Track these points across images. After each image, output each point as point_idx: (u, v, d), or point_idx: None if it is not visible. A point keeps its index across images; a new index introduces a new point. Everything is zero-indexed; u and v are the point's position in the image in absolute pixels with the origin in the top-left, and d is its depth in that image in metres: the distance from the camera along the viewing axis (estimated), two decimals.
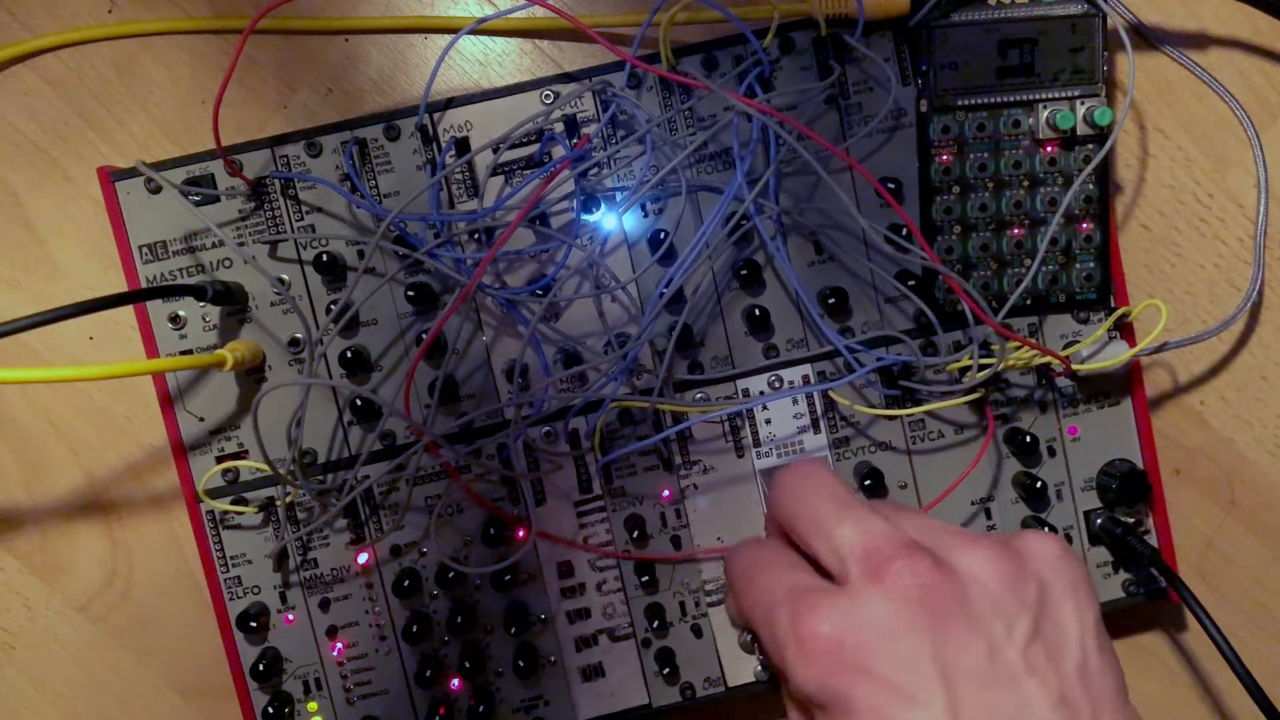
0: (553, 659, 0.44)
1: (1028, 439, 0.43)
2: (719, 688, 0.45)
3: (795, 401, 0.44)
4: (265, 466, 0.42)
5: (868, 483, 0.43)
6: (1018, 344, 0.41)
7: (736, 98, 0.39)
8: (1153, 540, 0.45)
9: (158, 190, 0.42)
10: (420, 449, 0.42)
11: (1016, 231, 0.43)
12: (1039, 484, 0.44)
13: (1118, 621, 0.48)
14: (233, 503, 0.43)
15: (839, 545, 0.33)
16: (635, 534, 0.43)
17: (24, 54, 0.45)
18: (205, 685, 0.46)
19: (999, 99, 0.42)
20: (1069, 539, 0.45)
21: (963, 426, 0.44)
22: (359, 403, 0.43)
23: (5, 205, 0.45)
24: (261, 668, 0.43)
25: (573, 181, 0.42)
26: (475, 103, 0.43)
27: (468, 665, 0.43)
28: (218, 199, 0.43)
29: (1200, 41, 0.46)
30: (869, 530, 0.32)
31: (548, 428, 0.44)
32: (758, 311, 0.43)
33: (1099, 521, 0.44)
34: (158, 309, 0.43)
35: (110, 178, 0.42)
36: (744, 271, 0.43)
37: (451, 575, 0.43)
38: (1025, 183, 0.43)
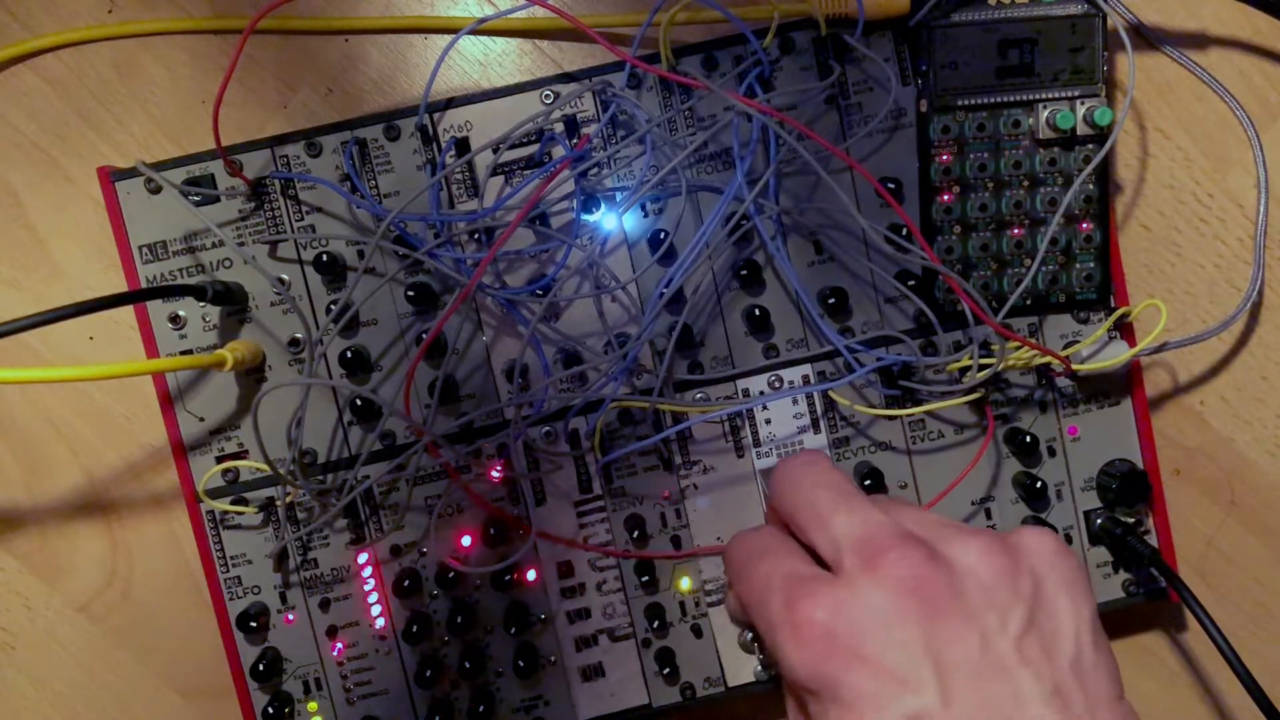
0: (553, 659, 0.44)
1: (1028, 439, 0.43)
2: (719, 688, 0.45)
3: (795, 401, 0.44)
4: (265, 466, 0.42)
5: (868, 482, 0.43)
6: (1018, 344, 0.41)
7: (736, 98, 0.39)
8: (1153, 540, 0.45)
9: (158, 190, 0.42)
10: (420, 449, 0.42)
11: (1016, 231, 0.43)
12: (1039, 484, 0.44)
13: (1118, 621, 0.48)
14: (233, 503, 0.43)
15: (835, 534, 0.33)
16: (635, 534, 0.43)
17: (24, 54, 0.45)
18: (205, 685, 0.47)
19: (999, 99, 0.42)
20: (1069, 539, 0.45)
21: (963, 426, 0.44)
22: (359, 403, 0.43)
23: (5, 205, 0.45)
24: (261, 668, 0.43)
25: (573, 181, 0.42)
26: (475, 103, 0.43)
27: (468, 665, 0.43)
28: (218, 199, 0.43)
29: (1200, 41, 0.46)
30: (866, 520, 0.32)
31: (548, 428, 0.44)
32: (758, 311, 0.43)
33: (1099, 521, 0.44)
34: (158, 309, 0.43)
35: (110, 178, 0.42)
36: (744, 271, 0.43)
37: (451, 575, 0.43)
38: (1025, 183, 0.43)
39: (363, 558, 0.44)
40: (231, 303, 0.42)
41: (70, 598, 0.47)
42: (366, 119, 0.43)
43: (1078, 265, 0.43)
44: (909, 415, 0.44)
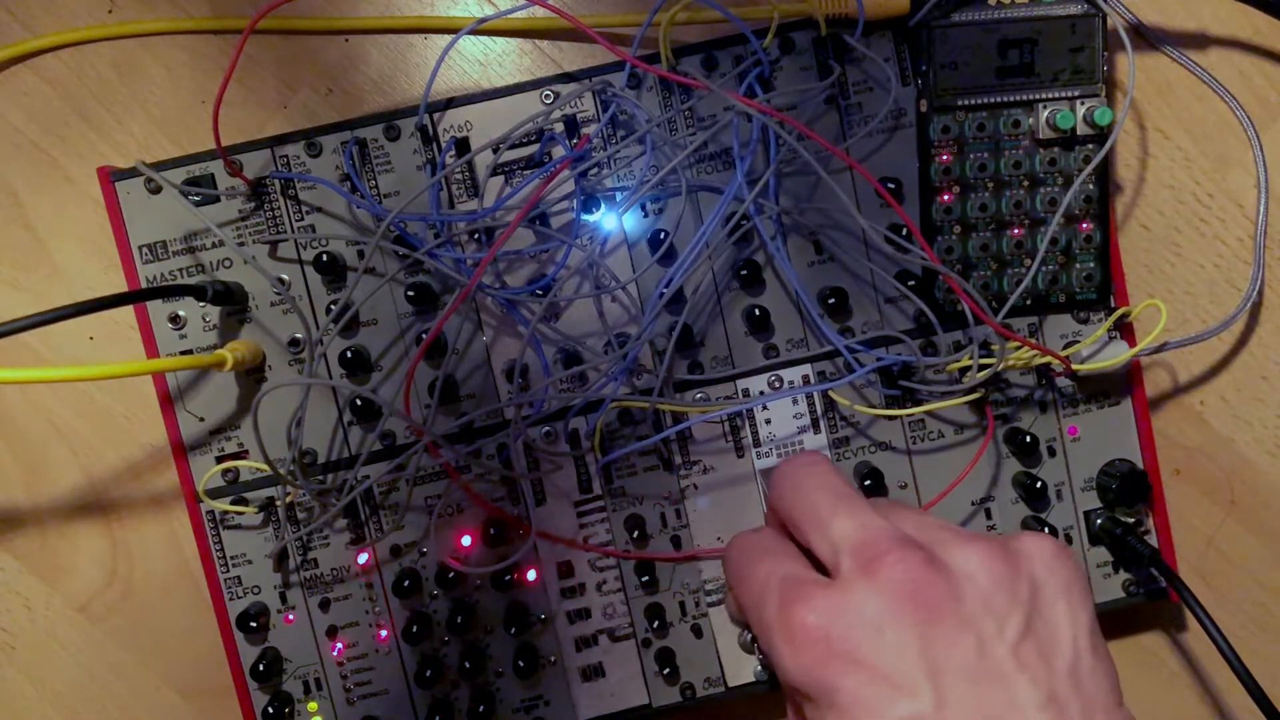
0: (553, 659, 0.44)
1: (1028, 439, 0.43)
2: (719, 688, 0.45)
3: (795, 401, 0.44)
4: (265, 466, 0.42)
5: (868, 483, 0.43)
6: (1018, 344, 0.41)
7: (736, 98, 0.39)
8: (1153, 540, 0.45)
9: (158, 190, 0.42)
10: (420, 449, 0.42)
11: (1016, 231, 0.43)
12: (1039, 484, 0.44)
13: (1118, 621, 0.48)
14: (233, 503, 0.43)
15: (834, 538, 0.33)
16: (635, 534, 0.43)
17: (24, 54, 0.45)
18: (205, 685, 0.47)
19: (999, 99, 0.42)
20: (1069, 539, 0.45)
21: (963, 426, 0.44)
22: (359, 403, 0.43)
23: (5, 205, 0.45)
24: (261, 668, 0.43)
25: (573, 181, 0.42)
26: (475, 103, 0.43)
27: (468, 665, 0.43)
28: (218, 199, 0.43)
29: (1200, 41, 0.46)
30: (864, 524, 0.32)
31: (548, 428, 0.44)
32: (758, 311, 0.43)
33: (1099, 521, 0.44)
34: (158, 309, 0.43)
35: (110, 178, 0.42)
36: (744, 271, 0.43)
37: (451, 575, 0.43)
38: (1025, 183, 0.43)
39: (363, 558, 0.44)
40: (231, 303, 0.42)
41: (70, 598, 0.47)
42: (366, 119, 0.43)
43: (1078, 265, 0.43)
44: (909, 415, 0.44)
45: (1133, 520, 0.44)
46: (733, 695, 0.45)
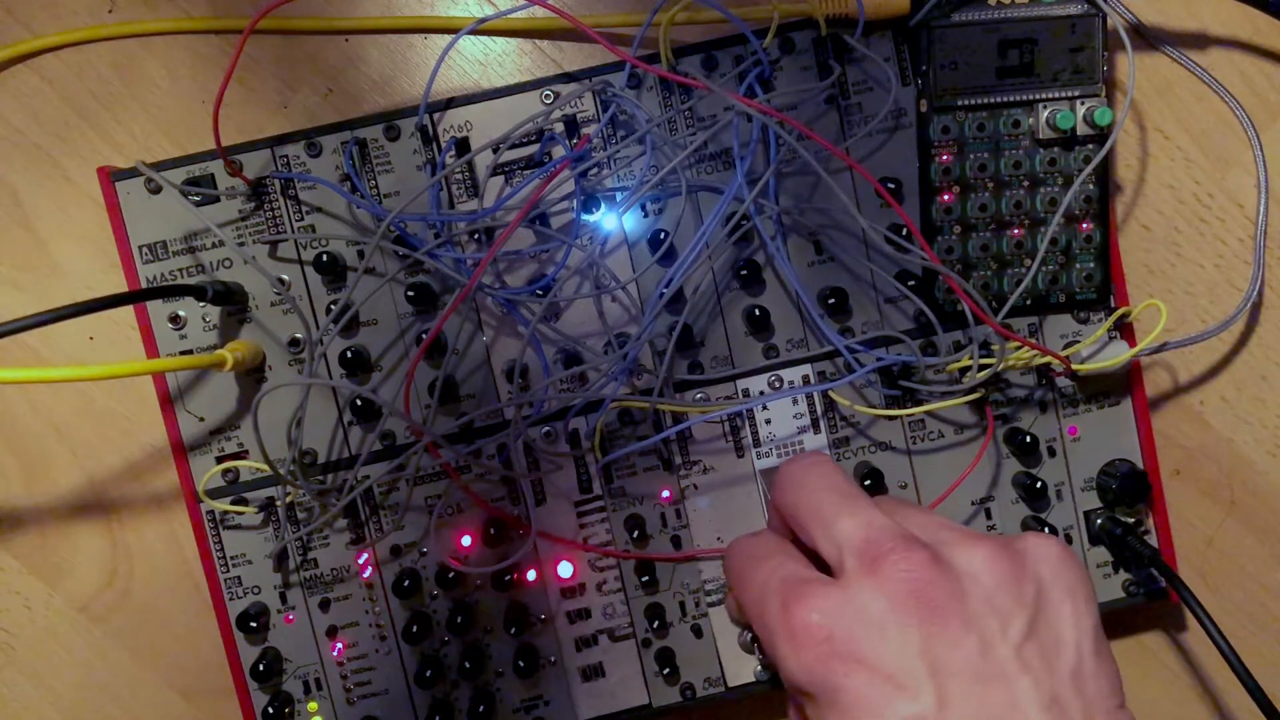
0: (553, 659, 0.44)
1: (1028, 439, 0.43)
2: (719, 688, 0.45)
3: (795, 401, 0.44)
4: (265, 466, 0.42)
5: (868, 483, 0.43)
6: (1018, 344, 0.41)
7: (736, 98, 0.39)
8: (1153, 540, 0.45)
9: (158, 190, 0.42)
10: (420, 449, 0.42)
11: (1016, 231, 0.43)
12: (1039, 484, 0.44)
13: (1118, 621, 0.48)
14: (233, 503, 0.43)
15: (838, 536, 0.33)
16: (635, 534, 0.43)
17: (24, 54, 0.45)
18: (205, 685, 0.47)
19: (999, 99, 0.42)
20: (1069, 539, 0.45)
21: (963, 426, 0.44)
22: (359, 403, 0.43)
23: (5, 205, 0.45)
24: (261, 668, 0.43)
25: (573, 181, 0.42)
26: (475, 103, 0.43)
27: (468, 665, 0.43)
28: (218, 199, 0.43)
29: (1200, 41, 0.46)
30: (869, 523, 0.32)
31: (548, 428, 0.44)
32: (758, 311, 0.43)
33: (1099, 521, 0.44)
34: (158, 309, 0.43)
35: (110, 178, 0.42)
36: (744, 271, 0.43)
37: (451, 575, 0.43)
38: (1025, 183, 0.43)
39: (363, 558, 0.44)
40: (231, 303, 0.42)
41: (70, 598, 0.47)
42: (366, 119, 0.43)
43: (1078, 265, 0.43)
44: (909, 415, 0.44)
45: (1133, 520, 0.44)
46: (733, 695, 0.45)
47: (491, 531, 0.43)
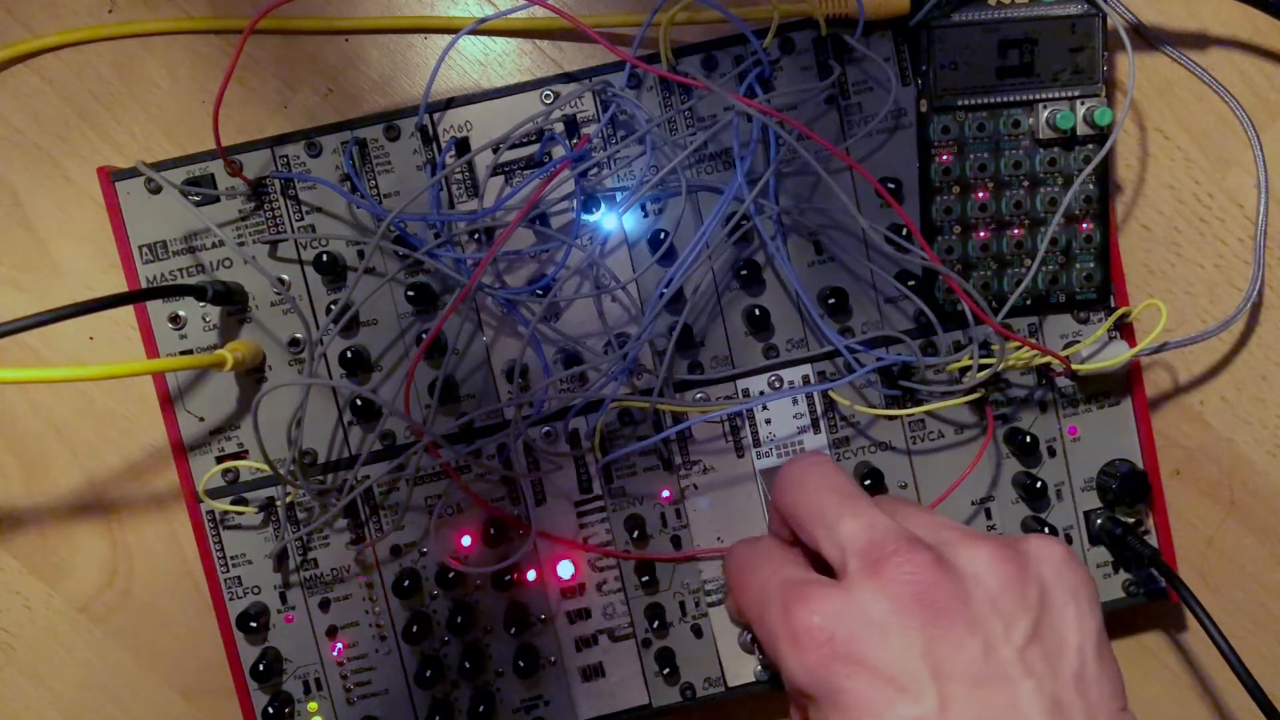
0: (553, 659, 0.44)
1: (1028, 439, 0.43)
2: (719, 688, 0.45)
3: (795, 401, 0.44)
4: (265, 466, 0.42)
5: (868, 483, 0.43)
6: (1018, 344, 0.41)
7: (736, 98, 0.39)
8: (1153, 540, 0.45)
9: (158, 190, 0.42)
10: (420, 449, 0.42)
11: (1016, 231, 0.43)
12: (1039, 484, 0.44)
13: (1118, 621, 0.48)
14: (233, 503, 0.43)
15: (841, 538, 0.33)
16: (635, 534, 0.43)
17: (24, 54, 0.45)
18: (205, 685, 0.47)
19: (999, 99, 0.42)
20: (1069, 539, 0.45)
21: (963, 426, 0.44)
22: (359, 403, 0.43)
23: (5, 205, 0.45)
24: (261, 668, 0.43)
25: (573, 181, 0.42)
26: (475, 103, 0.43)
27: (468, 665, 0.43)
28: (218, 199, 0.43)
29: (1200, 41, 0.46)
30: (872, 524, 0.32)
31: (548, 428, 0.44)
32: (758, 311, 0.43)
33: (1099, 521, 0.44)
34: (158, 309, 0.43)
35: (110, 178, 0.42)
36: (744, 271, 0.43)
37: (451, 575, 0.43)
38: (1025, 183, 0.43)
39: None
40: (231, 303, 0.42)
41: (70, 598, 0.47)
42: (366, 119, 0.43)
43: (1078, 265, 0.43)
44: (909, 415, 0.44)
45: (1133, 520, 0.44)
46: (733, 695, 0.45)
47: (491, 531, 0.43)
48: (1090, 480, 0.45)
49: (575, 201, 0.42)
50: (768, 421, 0.44)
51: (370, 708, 0.44)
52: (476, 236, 0.43)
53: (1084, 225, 0.43)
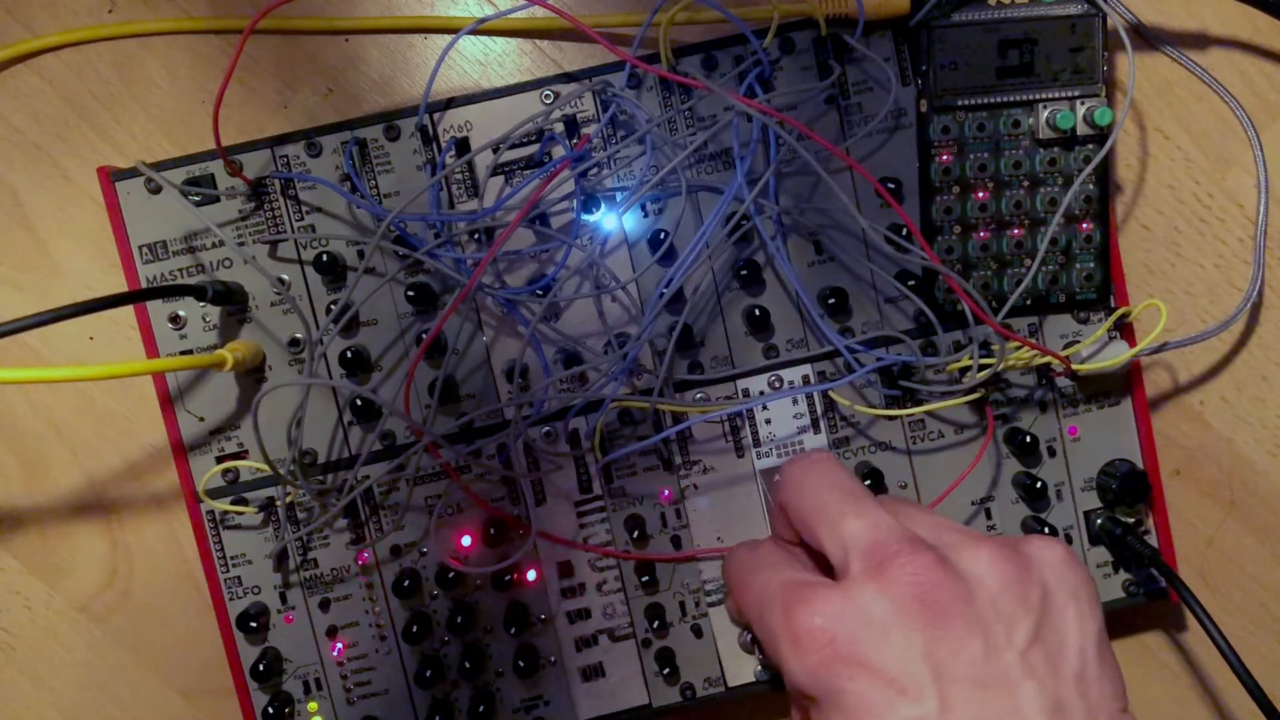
0: (553, 659, 0.44)
1: (1028, 439, 0.43)
2: (719, 688, 0.45)
3: (795, 401, 0.44)
4: (265, 466, 0.42)
5: (868, 483, 0.43)
6: (1018, 344, 0.41)
7: (736, 98, 0.39)
8: (1153, 540, 0.45)
9: (158, 190, 0.42)
10: (420, 449, 0.42)
11: (1016, 231, 0.43)
12: (1039, 484, 0.44)
13: (1118, 621, 0.48)
14: (233, 503, 0.43)
15: (844, 537, 0.33)
16: (635, 534, 0.43)
17: (24, 54, 0.45)
18: (205, 685, 0.47)
19: (999, 99, 0.42)
20: (1069, 539, 0.45)
21: (963, 426, 0.44)
22: (359, 403, 0.43)
23: (5, 205, 0.45)
24: (261, 668, 0.43)
25: (573, 181, 0.42)
26: (475, 103, 0.43)
27: (468, 665, 0.43)
28: (218, 199, 0.43)
29: (1200, 41, 0.46)
30: (875, 525, 0.32)
31: (548, 428, 0.44)
32: (758, 311, 0.43)
33: (1099, 521, 0.44)
34: (158, 309, 0.43)
35: (110, 178, 0.42)
36: (744, 271, 0.43)
37: (451, 575, 0.43)
38: (1025, 183, 0.43)
39: (363, 559, 0.44)
40: (231, 303, 0.42)
41: (70, 598, 0.47)
42: (366, 119, 0.43)
43: (1078, 265, 0.43)
44: (909, 415, 0.44)
45: (1133, 520, 0.44)
46: (733, 695, 0.45)
47: (491, 531, 0.43)
48: (1090, 480, 0.45)
49: (575, 201, 0.42)
50: (768, 421, 0.44)
51: (370, 708, 0.44)
52: (476, 236, 0.43)
53: (1084, 225, 0.43)
